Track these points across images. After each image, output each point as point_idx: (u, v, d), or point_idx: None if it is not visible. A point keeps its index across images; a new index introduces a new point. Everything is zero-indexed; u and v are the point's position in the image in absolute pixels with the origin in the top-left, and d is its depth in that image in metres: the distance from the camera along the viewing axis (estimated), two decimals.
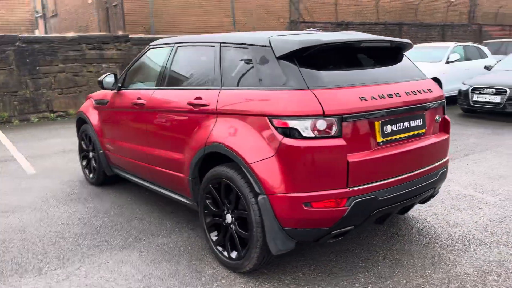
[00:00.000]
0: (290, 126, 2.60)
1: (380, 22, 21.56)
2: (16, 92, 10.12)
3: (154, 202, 4.55)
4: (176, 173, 3.54)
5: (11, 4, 18.90)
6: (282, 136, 2.62)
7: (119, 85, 4.41)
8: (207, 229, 3.29)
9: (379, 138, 2.79)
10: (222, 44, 3.26)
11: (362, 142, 2.70)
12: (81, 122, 5.30)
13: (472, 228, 3.74)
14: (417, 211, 4.09)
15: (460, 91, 9.67)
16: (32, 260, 3.35)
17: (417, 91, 3.03)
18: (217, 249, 3.20)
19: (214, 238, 3.24)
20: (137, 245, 3.58)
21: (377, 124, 2.77)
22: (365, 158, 2.67)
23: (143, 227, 3.94)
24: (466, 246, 3.41)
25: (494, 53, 13.72)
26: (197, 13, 17.36)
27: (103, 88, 4.43)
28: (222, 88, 3.12)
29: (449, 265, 3.12)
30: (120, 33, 12.31)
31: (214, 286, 2.93)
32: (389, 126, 2.83)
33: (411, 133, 2.99)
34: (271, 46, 2.86)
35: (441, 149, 3.21)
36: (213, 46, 3.33)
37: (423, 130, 3.09)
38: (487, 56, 12.40)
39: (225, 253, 3.13)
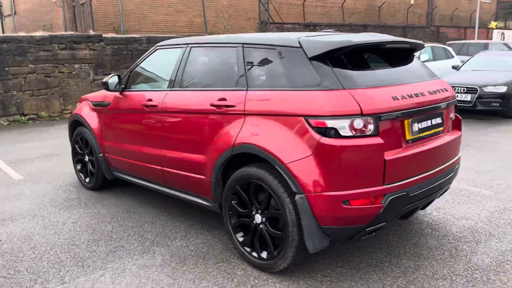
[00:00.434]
0: (328, 125, 2.64)
1: (345, 23, 22.07)
2: None
3: (160, 206, 4.47)
4: (196, 175, 3.50)
5: None
6: (320, 136, 2.66)
7: (122, 86, 4.30)
8: (233, 230, 3.27)
9: (408, 136, 2.88)
10: (245, 45, 3.25)
11: (395, 140, 2.79)
12: (76, 125, 5.12)
13: (477, 220, 3.94)
14: None
15: None
16: (49, 269, 3.22)
17: (437, 90, 3.16)
18: (244, 249, 3.20)
19: (241, 239, 3.24)
20: (156, 249, 3.51)
21: (407, 123, 2.87)
22: (399, 155, 2.76)
23: (156, 230, 3.87)
24: (477, 238, 3.59)
25: (457, 53, 14.41)
26: (167, 12, 17.14)
27: (108, 90, 4.30)
28: (249, 89, 3.12)
29: (467, 256, 3.27)
30: (92, 32, 11.94)
31: (249, 287, 2.93)
32: (416, 124, 2.94)
33: (432, 131, 3.11)
34: (301, 47, 2.90)
35: (456, 145, 3.36)
36: (235, 47, 3.32)
37: (442, 128, 3.23)
38: (453, 57, 13.00)
39: (254, 254, 3.13)
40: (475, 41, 18.86)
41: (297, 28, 19.86)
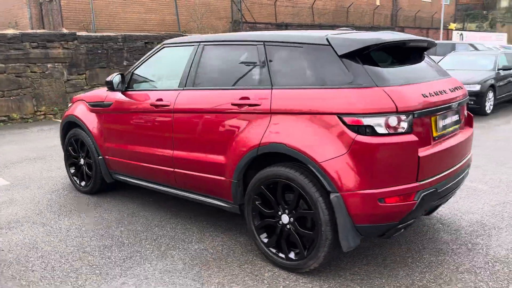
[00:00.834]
0: (364, 123, 2.64)
1: (315, 24, 22.36)
2: None
3: (165, 208, 4.34)
4: (214, 177, 3.42)
5: None
6: (355, 134, 2.66)
7: (125, 86, 4.15)
8: (256, 232, 3.22)
9: (435, 133, 2.93)
10: (266, 43, 3.20)
11: (425, 137, 2.82)
12: (69, 126, 4.89)
13: (482, 214, 4.06)
14: None
15: None
16: (66, 279, 3.05)
17: (455, 88, 3.23)
18: (269, 250, 3.15)
19: (265, 240, 3.19)
20: (174, 253, 3.40)
21: (433, 120, 2.91)
22: (430, 152, 2.80)
23: (169, 234, 3.75)
24: (487, 231, 3.70)
25: None
26: (138, 10, 16.76)
27: (113, 89, 4.13)
28: (274, 87, 3.07)
29: (484, 250, 3.37)
30: (65, 30, 11.49)
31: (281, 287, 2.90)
32: (441, 121, 2.99)
33: (452, 128, 3.18)
34: (330, 45, 2.88)
35: (471, 142, 3.45)
36: (255, 45, 3.27)
37: (459, 125, 3.30)
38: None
39: (281, 254, 3.09)
40: (443, 41, 19.55)
41: (269, 28, 19.92)
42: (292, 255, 3.04)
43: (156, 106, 3.78)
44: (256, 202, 3.18)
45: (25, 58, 9.94)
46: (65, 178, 5.44)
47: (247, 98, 3.16)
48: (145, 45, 12.06)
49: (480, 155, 6.22)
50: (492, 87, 9.98)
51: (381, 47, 2.91)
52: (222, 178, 3.36)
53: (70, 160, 5.00)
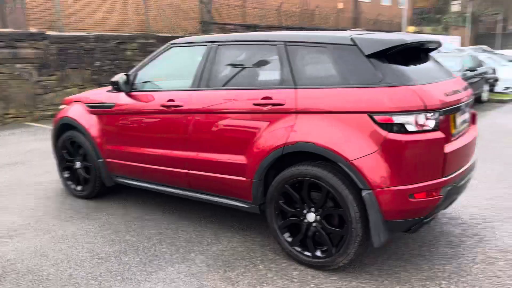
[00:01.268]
0: (395, 121, 2.72)
1: (283, 25, 22.60)
2: None
3: (172, 211, 4.27)
4: (233, 177, 3.39)
5: None
6: (387, 132, 2.73)
7: (131, 86, 4.04)
8: (280, 231, 3.23)
9: (453, 130, 3.05)
10: (287, 43, 3.22)
11: (447, 134, 2.93)
12: (63, 129, 4.70)
13: (480, 208, 4.26)
14: None
15: None
16: (88, 286, 2.93)
17: (464, 87, 3.38)
18: (294, 249, 3.17)
19: (289, 239, 3.20)
20: (194, 255, 3.35)
21: (452, 118, 3.03)
22: (454, 149, 2.91)
23: (183, 237, 3.69)
24: (490, 224, 3.89)
25: None
26: (105, 10, 16.25)
27: (120, 90, 4.00)
28: (298, 87, 3.09)
29: (492, 241, 3.54)
30: (34, 29, 11.00)
31: (311, 286, 2.91)
32: (458, 119, 3.11)
33: (463, 126, 3.32)
34: (356, 45, 2.94)
35: (476, 140, 3.61)
36: (275, 45, 3.28)
37: (468, 123, 3.45)
38: None
39: (307, 253, 3.12)
40: None
41: (238, 29, 19.92)
42: (318, 253, 3.08)
43: (167, 107, 3.71)
44: (280, 202, 3.18)
45: None
46: (54, 183, 5.23)
47: (270, 98, 3.17)
48: (118, 45, 11.77)
49: None
50: None
51: (406, 48, 3.00)
52: (242, 178, 3.34)
53: (64, 164, 4.80)
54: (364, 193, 2.78)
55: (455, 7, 53.02)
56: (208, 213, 4.17)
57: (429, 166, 2.80)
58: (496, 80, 13.78)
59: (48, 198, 4.73)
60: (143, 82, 4.09)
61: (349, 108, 2.85)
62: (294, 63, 3.16)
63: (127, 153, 4.10)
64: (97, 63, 11.33)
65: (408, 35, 3.18)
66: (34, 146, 7.39)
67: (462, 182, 3.13)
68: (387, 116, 2.73)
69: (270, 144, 3.13)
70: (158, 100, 3.80)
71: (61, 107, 4.93)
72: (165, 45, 3.97)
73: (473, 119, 3.70)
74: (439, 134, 2.78)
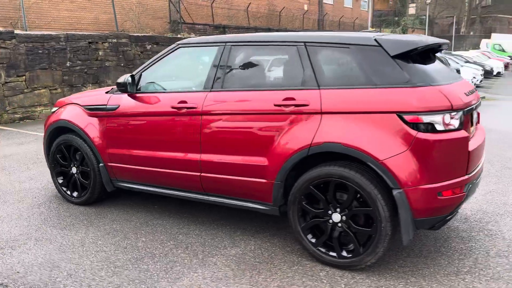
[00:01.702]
0: (425, 121, 2.77)
1: (251, 26, 22.64)
2: None
3: (179, 215, 4.16)
4: (252, 179, 3.35)
5: None
6: (416, 131, 2.78)
7: (136, 88, 3.91)
8: (303, 232, 3.22)
9: (471, 129, 3.15)
10: (307, 44, 3.21)
11: (468, 133, 3.02)
12: (58, 132, 4.48)
13: (480, 203, 4.43)
14: None
15: None
16: None
17: (473, 88, 3.49)
18: (318, 250, 3.17)
19: (313, 240, 3.20)
20: (215, 260, 3.28)
21: (470, 117, 3.12)
22: (475, 147, 3.00)
23: (197, 241, 3.60)
24: (492, 218, 4.05)
25: None
26: (70, 8, 15.67)
27: (127, 91, 3.85)
28: (321, 87, 3.09)
29: (500, 234, 3.68)
30: (1, 28, 10.43)
31: (342, 286, 2.92)
32: (473, 119, 3.22)
33: (474, 126, 3.44)
34: (381, 46, 2.97)
35: None
36: (294, 45, 3.26)
37: (477, 121, 3.57)
38: None
39: (332, 253, 3.12)
40: None
41: (207, 29, 19.79)
42: (344, 253, 3.09)
43: (179, 108, 3.61)
44: (303, 203, 3.17)
45: None
46: (42, 189, 4.99)
47: (292, 99, 3.15)
48: (89, 45, 11.38)
49: None
50: None
51: (427, 49, 3.06)
52: (263, 180, 3.30)
53: (58, 169, 4.57)
54: (395, 192, 2.82)
55: (411, 10, 55.03)
56: (217, 216, 4.10)
57: (455, 164, 2.87)
58: None
59: (40, 205, 4.50)
60: (149, 83, 3.96)
61: (377, 108, 2.88)
62: (316, 64, 3.16)
63: (133, 157, 3.95)
64: (68, 64, 10.91)
65: (425, 37, 3.25)
66: (11, 151, 7.01)
67: (478, 180, 3.24)
68: (417, 116, 2.77)
69: (294, 145, 3.11)
70: (168, 101, 3.70)
71: (53, 109, 4.70)
72: (173, 45, 3.86)
73: (478, 119, 3.84)
74: (464, 133, 2.87)
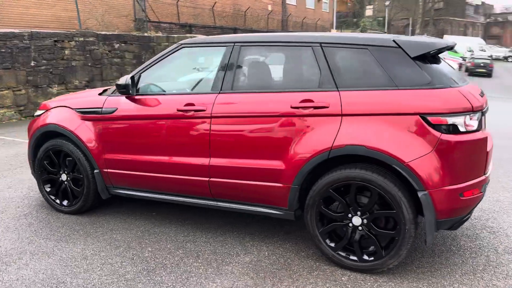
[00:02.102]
0: (449, 122, 2.78)
1: (217, 26, 22.44)
2: None
3: (180, 222, 4.00)
4: (267, 183, 3.25)
5: None
6: (440, 133, 2.78)
7: (136, 89, 3.71)
8: (321, 237, 3.16)
9: (485, 130, 3.20)
10: (324, 45, 3.15)
11: (485, 134, 3.06)
12: (45, 137, 4.19)
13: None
14: None
15: None
16: None
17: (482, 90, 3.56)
18: (338, 254, 3.12)
19: (332, 245, 3.15)
20: (230, 268, 3.16)
21: (484, 118, 3.18)
22: (490, 147, 3.05)
23: (207, 249, 3.46)
24: (491, 215, 4.16)
25: None
26: (27, 4, 14.89)
27: (128, 93, 3.63)
28: (340, 89, 3.04)
29: (502, 231, 3.78)
30: None
31: None
32: (483, 120, 3.28)
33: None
34: (400, 47, 2.96)
35: None
36: (309, 46, 3.19)
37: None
38: None
39: (353, 257, 3.08)
40: None
41: (173, 28, 19.43)
42: (365, 256, 3.06)
43: (186, 111, 3.45)
44: (322, 207, 3.12)
45: None
46: (26, 198, 4.66)
47: (311, 101, 3.08)
48: (55, 43, 10.83)
49: None
50: None
51: (441, 50, 3.08)
52: (278, 184, 3.22)
53: (45, 177, 4.28)
54: (420, 194, 2.81)
55: (368, 12, 56.59)
56: (221, 222, 3.97)
57: (475, 164, 2.91)
58: None
59: (27, 215, 4.19)
60: (149, 85, 3.77)
61: (399, 110, 2.87)
62: (333, 65, 3.11)
63: (133, 162, 3.75)
64: (33, 63, 10.33)
65: (436, 39, 3.28)
66: None
67: (489, 180, 3.30)
68: (441, 118, 2.78)
69: (313, 148, 3.05)
70: (173, 104, 3.53)
71: (37, 113, 4.39)
72: (175, 45, 3.69)
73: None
74: (483, 134, 2.91)
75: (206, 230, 3.82)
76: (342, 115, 3.00)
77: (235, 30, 23.34)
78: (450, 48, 3.24)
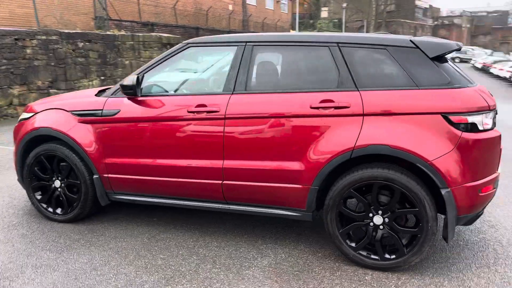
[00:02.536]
0: (469, 121, 2.86)
1: (180, 25, 22.09)
2: None
3: (186, 227, 3.87)
4: (286, 185, 3.21)
5: None
6: (461, 131, 2.86)
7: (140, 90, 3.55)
8: (342, 237, 3.16)
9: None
10: (341, 44, 3.15)
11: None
12: (36, 141, 3.92)
13: None
14: None
15: None
16: None
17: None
18: (359, 254, 3.13)
19: (353, 244, 3.15)
20: (251, 272, 3.09)
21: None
22: (501, 145, 3.17)
23: (222, 254, 3.37)
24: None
25: None
26: None
27: (135, 94, 3.46)
28: (360, 89, 3.05)
29: (501, 224, 3.95)
30: None
31: (393, 287, 2.92)
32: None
33: None
34: (418, 47, 3.01)
35: None
36: (326, 46, 3.18)
37: None
38: None
39: (374, 256, 3.10)
40: None
41: (135, 26, 18.92)
42: (387, 255, 3.08)
43: (197, 112, 3.34)
44: (343, 207, 3.11)
45: None
46: (11, 207, 4.38)
47: (331, 101, 3.07)
48: (15, 41, 10.23)
49: None
50: None
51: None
52: (297, 185, 3.18)
53: (36, 184, 4.00)
54: (443, 191, 2.87)
55: (324, 13, 57.76)
56: (228, 226, 3.88)
57: (491, 161, 3.01)
58: None
59: (17, 226, 3.91)
60: (154, 85, 3.62)
61: (421, 109, 2.91)
62: (352, 65, 3.11)
63: (139, 167, 3.58)
64: None
65: (445, 40, 3.36)
66: None
67: None
68: (463, 117, 2.85)
69: (335, 148, 3.03)
70: (182, 105, 3.40)
71: (23, 116, 4.10)
72: (181, 44, 3.56)
73: None
74: (497, 132, 3.01)
75: (215, 234, 3.72)
76: (363, 115, 3.01)
77: (197, 30, 23.07)
78: (459, 49, 3.33)
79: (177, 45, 3.59)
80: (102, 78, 12.98)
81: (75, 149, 3.74)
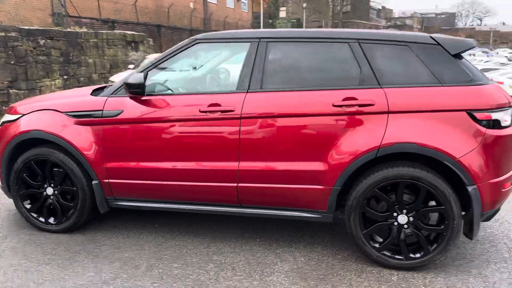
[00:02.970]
0: (493, 117, 2.87)
1: (141, 22, 21.48)
2: None
3: (193, 232, 3.68)
4: (307, 186, 3.10)
5: None
6: (486, 128, 2.86)
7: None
8: (365, 238, 3.09)
9: None
10: (361, 41, 3.08)
11: None
12: (25, 146, 3.59)
13: None
14: None
15: None
16: None
17: None
18: (383, 255, 3.07)
19: (376, 245, 3.09)
20: (275, 278, 2.96)
21: None
22: None
23: (239, 260, 3.21)
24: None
25: None
26: None
27: (142, 94, 3.21)
28: (384, 86, 2.99)
29: (504, 219, 4.03)
30: None
31: (422, 287, 2.87)
32: None
33: None
34: (440, 44, 2.99)
35: None
36: (347, 42, 3.09)
37: None
38: None
39: (398, 256, 3.06)
40: None
41: (95, 23, 18.18)
42: (411, 254, 3.04)
43: (211, 112, 3.16)
44: (367, 207, 3.05)
45: None
46: None
47: (354, 99, 2.99)
48: None
49: None
50: None
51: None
52: (319, 186, 3.08)
53: (24, 192, 3.66)
54: (470, 188, 2.86)
55: (282, 13, 58.22)
56: (237, 230, 3.72)
57: (511, 157, 3.04)
58: None
59: (5, 238, 3.57)
60: (159, 84, 3.40)
61: (446, 106, 2.89)
62: (374, 62, 3.04)
63: (146, 171, 3.34)
64: None
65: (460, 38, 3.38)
66: None
67: None
68: (488, 113, 2.85)
69: (359, 147, 2.96)
70: (193, 104, 3.21)
71: (7, 118, 3.75)
72: (187, 41, 3.36)
73: None
74: None
75: (226, 239, 3.56)
76: (388, 112, 2.95)
77: (159, 27, 22.54)
78: (475, 46, 3.36)
79: (183, 41, 3.38)
80: (65, 77, 12.34)
81: (71, 153, 3.45)
